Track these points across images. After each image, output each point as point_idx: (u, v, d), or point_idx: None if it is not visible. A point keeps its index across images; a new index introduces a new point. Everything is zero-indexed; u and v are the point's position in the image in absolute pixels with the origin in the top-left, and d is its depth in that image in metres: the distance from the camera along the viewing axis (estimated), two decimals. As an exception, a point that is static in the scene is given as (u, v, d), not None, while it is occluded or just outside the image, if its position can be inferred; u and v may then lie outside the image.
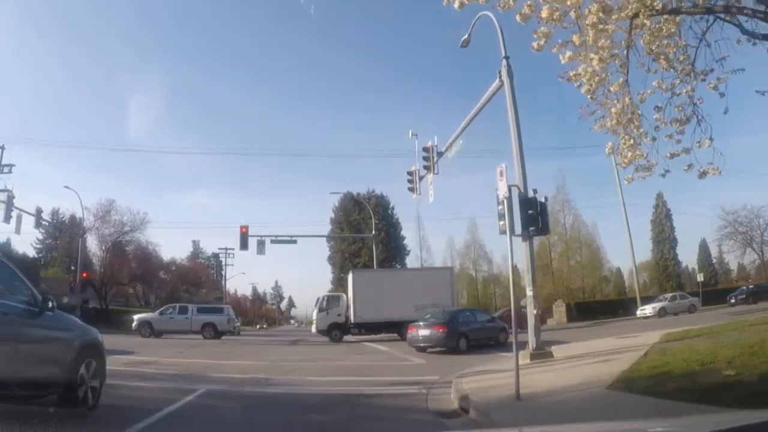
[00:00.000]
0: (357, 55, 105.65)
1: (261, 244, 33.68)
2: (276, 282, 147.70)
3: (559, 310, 37.33)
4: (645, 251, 58.57)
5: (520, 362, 11.55)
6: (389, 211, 54.20)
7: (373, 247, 35.56)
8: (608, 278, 55.31)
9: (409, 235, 55.45)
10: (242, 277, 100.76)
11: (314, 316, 27.59)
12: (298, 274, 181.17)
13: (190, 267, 79.27)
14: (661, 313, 32.06)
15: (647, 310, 33.05)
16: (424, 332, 16.98)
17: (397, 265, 54.70)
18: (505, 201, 11.37)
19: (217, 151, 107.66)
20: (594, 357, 10.97)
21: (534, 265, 11.42)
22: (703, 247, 67.90)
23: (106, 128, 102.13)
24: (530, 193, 11.30)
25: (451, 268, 32.01)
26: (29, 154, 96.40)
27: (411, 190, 21.16)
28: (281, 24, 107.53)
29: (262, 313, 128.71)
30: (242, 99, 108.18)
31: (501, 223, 11.50)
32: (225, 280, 77.72)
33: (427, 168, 18.52)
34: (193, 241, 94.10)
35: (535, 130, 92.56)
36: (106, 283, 48.61)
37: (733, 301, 35.77)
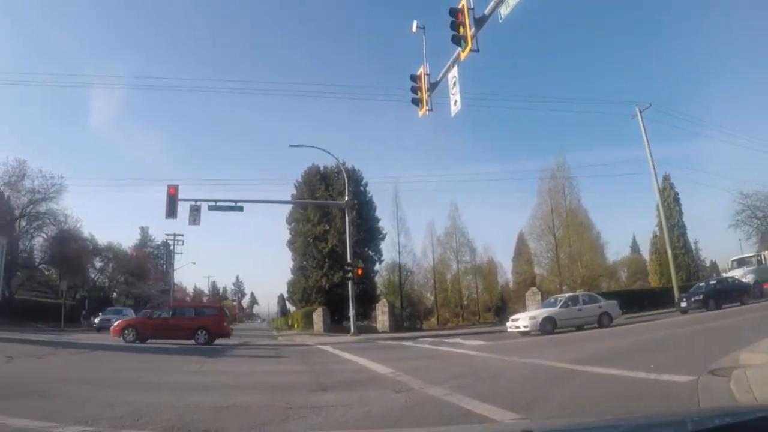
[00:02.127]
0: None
1: (195, 211, 24.99)
2: (237, 277, 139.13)
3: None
4: (624, 246, 51.73)
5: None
6: (362, 188, 45.81)
7: (346, 218, 27.17)
8: (611, 269, 48.53)
9: (384, 218, 46.89)
10: (200, 271, 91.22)
11: None
12: (262, 267, 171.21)
13: (132, 255, 69.64)
14: (545, 327, 18.37)
15: (521, 321, 19.14)
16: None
17: (370, 252, 46.52)
18: None
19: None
20: None
21: None
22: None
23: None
24: None
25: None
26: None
27: (416, 102, 13.21)
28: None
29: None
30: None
31: None
32: (173, 269, 67.96)
33: (457, 42, 10.35)
34: (141, 228, 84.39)
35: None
36: (9, 265, 39.24)
37: (684, 305, 23.86)
